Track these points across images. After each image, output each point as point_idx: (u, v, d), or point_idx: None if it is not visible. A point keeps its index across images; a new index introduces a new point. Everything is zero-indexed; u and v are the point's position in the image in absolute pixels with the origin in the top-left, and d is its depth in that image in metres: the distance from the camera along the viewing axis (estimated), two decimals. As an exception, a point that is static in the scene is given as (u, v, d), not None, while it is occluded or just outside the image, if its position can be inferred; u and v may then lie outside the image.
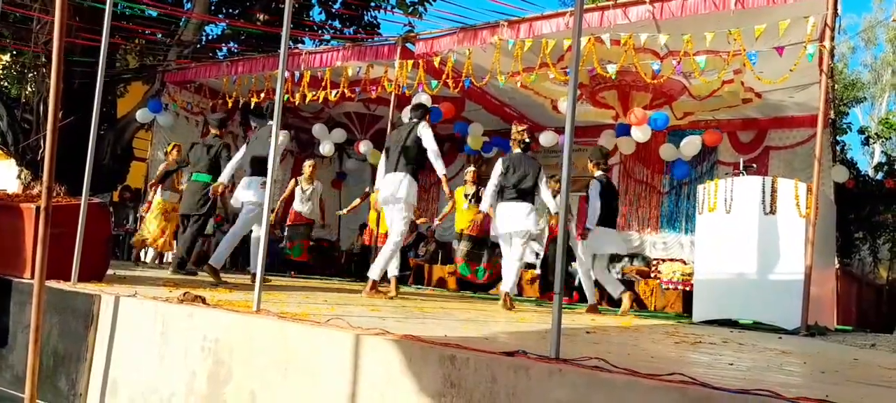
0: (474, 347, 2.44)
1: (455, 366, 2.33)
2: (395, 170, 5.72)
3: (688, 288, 8.41)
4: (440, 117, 9.52)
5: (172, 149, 8.68)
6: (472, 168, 9.41)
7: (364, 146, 11.76)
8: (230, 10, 13.43)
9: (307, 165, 9.32)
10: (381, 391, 2.50)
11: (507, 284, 5.93)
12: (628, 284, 8.50)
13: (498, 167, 6.08)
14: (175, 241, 8.44)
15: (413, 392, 2.41)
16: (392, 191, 5.70)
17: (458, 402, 2.30)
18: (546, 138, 10.14)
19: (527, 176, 5.96)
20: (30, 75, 11.21)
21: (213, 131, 7.70)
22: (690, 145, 9.73)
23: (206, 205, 7.37)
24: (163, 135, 10.67)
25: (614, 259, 10.56)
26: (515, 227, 5.94)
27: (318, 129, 11.57)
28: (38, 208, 4.29)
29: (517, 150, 6.21)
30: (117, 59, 12.05)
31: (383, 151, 6.02)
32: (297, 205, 9.23)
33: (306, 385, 2.73)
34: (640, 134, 9.08)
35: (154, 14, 11.89)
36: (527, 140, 6.28)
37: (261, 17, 12.15)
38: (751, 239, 5.97)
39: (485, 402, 2.24)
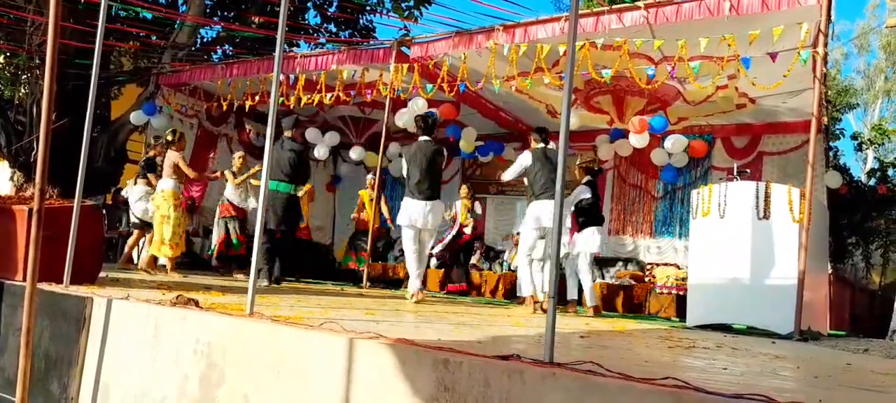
0: (468, 351, 2.43)
1: (449, 370, 2.33)
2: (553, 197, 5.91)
3: (682, 293, 8.42)
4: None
5: (172, 135, 7.85)
6: (370, 176, 10.20)
7: (357, 151, 11.77)
8: (225, 13, 13.42)
9: (237, 157, 9.13)
10: (375, 394, 2.49)
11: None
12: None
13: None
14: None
15: (406, 396, 2.40)
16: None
17: (451, 406, 2.30)
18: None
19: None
20: (23, 77, 11.17)
21: (285, 134, 7.19)
22: (677, 144, 9.75)
23: (295, 219, 7.00)
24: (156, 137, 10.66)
25: (607, 263, 10.62)
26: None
27: (312, 133, 11.56)
28: (30, 210, 4.27)
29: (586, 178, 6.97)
30: (111, 61, 12.02)
31: (536, 173, 6.27)
32: (231, 197, 9.02)
33: (299, 388, 2.72)
34: (639, 140, 9.12)
35: (149, 16, 11.87)
36: (596, 169, 7.13)
37: (256, 19, 12.14)
38: (744, 245, 5.98)
39: (478, 406, 2.24)
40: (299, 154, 7.03)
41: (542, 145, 6.55)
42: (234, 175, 8.93)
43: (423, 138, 6.38)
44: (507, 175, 6.63)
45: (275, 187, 6.83)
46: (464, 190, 10.02)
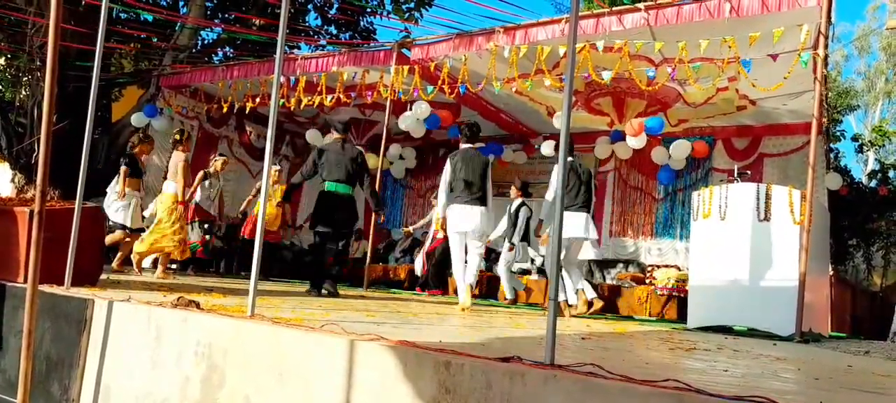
0: (469, 353, 2.43)
1: (450, 372, 2.33)
2: (580, 210, 6.72)
3: (682, 295, 8.41)
4: (438, 124, 9.54)
5: (180, 135, 7.59)
6: None
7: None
8: (226, 15, 13.44)
9: (220, 160, 9.03)
10: (376, 396, 2.49)
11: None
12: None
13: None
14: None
15: (408, 398, 2.40)
16: (582, 231, 6.70)
17: (452, 408, 2.30)
18: (548, 147, 10.26)
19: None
20: (24, 79, 11.18)
21: (336, 135, 6.76)
22: (680, 149, 9.78)
23: (355, 222, 6.75)
24: (158, 139, 10.62)
25: (608, 264, 10.63)
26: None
27: (312, 134, 11.57)
28: (31, 212, 4.27)
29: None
30: (112, 63, 12.03)
31: (566, 187, 6.62)
32: (202, 200, 8.90)
33: (300, 390, 2.72)
34: (637, 142, 9.13)
35: (150, 18, 11.88)
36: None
37: (256, 22, 12.16)
38: (745, 246, 5.98)
39: (479, 408, 2.24)
40: (363, 155, 6.78)
41: (570, 158, 6.75)
42: (207, 176, 8.77)
43: (466, 145, 6.42)
44: (549, 194, 6.83)
45: (335, 189, 6.50)
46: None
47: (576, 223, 6.69)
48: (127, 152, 7.98)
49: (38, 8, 9.77)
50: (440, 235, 9.61)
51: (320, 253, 6.52)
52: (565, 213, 6.54)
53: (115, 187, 7.73)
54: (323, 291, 6.31)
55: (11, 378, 3.83)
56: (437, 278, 9.95)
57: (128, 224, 7.68)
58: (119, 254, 7.71)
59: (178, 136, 7.56)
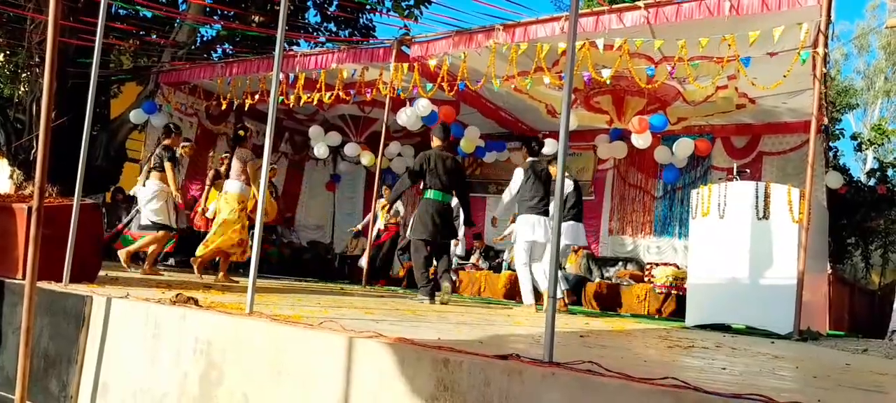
0: (468, 350, 2.43)
1: (448, 370, 2.33)
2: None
3: (681, 293, 8.42)
4: (436, 121, 9.53)
5: (243, 131, 7.19)
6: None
7: (353, 147, 11.74)
8: (225, 12, 13.42)
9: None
10: (374, 394, 2.49)
11: None
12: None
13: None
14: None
15: (406, 395, 2.40)
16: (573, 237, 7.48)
17: (451, 405, 2.30)
18: (551, 146, 10.24)
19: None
20: (23, 75, 11.18)
21: (437, 142, 6.64)
22: (683, 147, 9.77)
23: (455, 232, 6.78)
24: (156, 136, 10.58)
25: (607, 262, 10.64)
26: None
27: (312, 131, 11.56)
28: (29, 208, 4.27)
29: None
30: (111, 59, 12.02)
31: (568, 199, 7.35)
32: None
33: (299, 387, 2.72)
34: (641, 141, 9.11)
35: (149, 15, 11.87)
36: None
37: (256, 18, 12.14)
38: (744, 244, 5.98)
39: (478, 405, 2.24)
40: (462, 163, 6.95)
41: (534, 160, 7.07)
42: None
43: (531, 158, 6.91)
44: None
45: (440, 198, 6.54)
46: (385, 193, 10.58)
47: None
48: (164, 145, 7.27)
49: (37, 4, 9.75)
50: (381, 225, 10.49)
51: (420, 259, 6.57)
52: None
53: (155, 184, 7.06)
54: (435, 299, 6.32)
55: (10, 375, 3.82)
56: (383, 270, 10.66)
57: (173, 224, 7.21)
58: (150, 255, 7.06)
59: (242, 133, 7.16)
